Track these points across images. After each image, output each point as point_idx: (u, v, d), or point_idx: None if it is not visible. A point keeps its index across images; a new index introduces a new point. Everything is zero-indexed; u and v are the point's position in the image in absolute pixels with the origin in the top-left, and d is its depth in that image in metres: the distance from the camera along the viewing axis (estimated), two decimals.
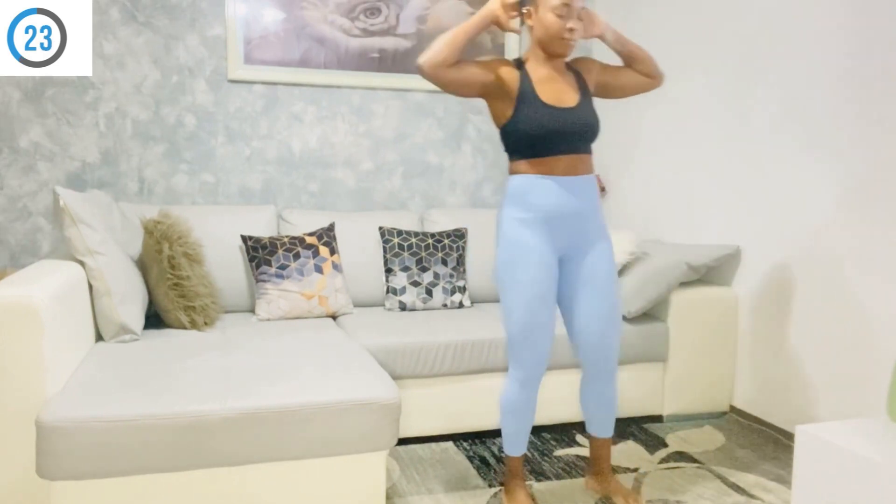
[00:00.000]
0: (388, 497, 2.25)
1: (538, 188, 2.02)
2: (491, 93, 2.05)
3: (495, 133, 3.93)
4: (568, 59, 2.13)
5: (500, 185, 3.82)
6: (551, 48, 2.03)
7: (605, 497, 2.28)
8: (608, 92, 2.19)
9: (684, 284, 2.96)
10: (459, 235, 3.29)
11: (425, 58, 1.94)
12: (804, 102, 2.67)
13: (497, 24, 2.03)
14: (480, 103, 3.73)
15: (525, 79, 2.03)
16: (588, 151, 2.09)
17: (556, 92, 2.03)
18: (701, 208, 3.20)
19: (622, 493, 2.23)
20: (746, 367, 2.97)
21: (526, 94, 2.02)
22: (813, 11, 2.63)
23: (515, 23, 2.05)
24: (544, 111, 2.00)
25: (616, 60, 2.20)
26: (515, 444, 2.20)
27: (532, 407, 2.17)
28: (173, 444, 1.81)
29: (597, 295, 2.11)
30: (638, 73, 2.16)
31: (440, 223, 3.40)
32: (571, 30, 1.98)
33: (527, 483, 2.37)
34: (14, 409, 1.86)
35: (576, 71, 2.13)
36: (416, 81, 3.65)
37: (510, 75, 2.04)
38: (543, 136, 2.00)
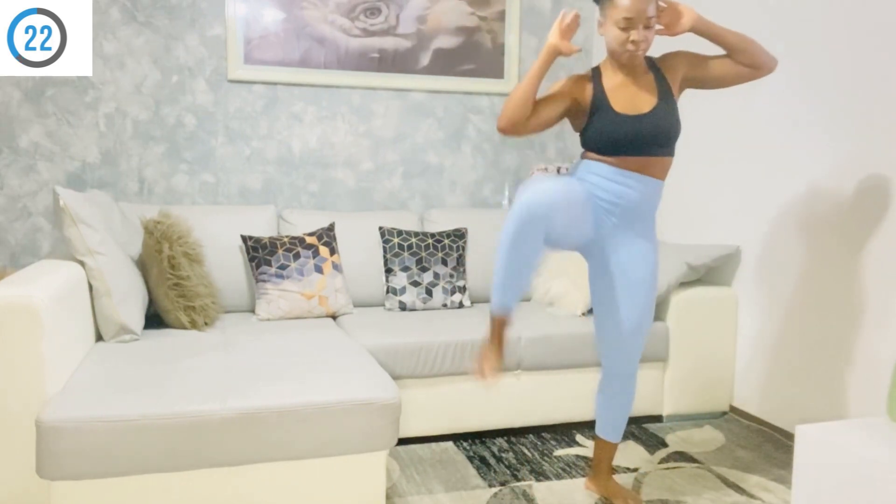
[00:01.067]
0: (388, 497, 2.24)
1: (606, 172, 2.02)
2: (570, 114, 2.08)
3: (495, 133, 3.95)
4: (656, 56, 2.10)
5: (500, 185, 3.82)
6: (618, 59, 2.02)
7: (604, 498, 2.28)
8: (705, 84, 2.11)
9: (684, 284, 2.96)
10: (459, 235, 3.29)
11: (504, 121, 1.99)
12: (804, 102, 2.67)
13: (560, 54, 2.01)
14: (481, 103, 3.75)
15: (598, 89, 2.04)
16: (665, 154, 2.06)
17: (629, 98, 2.02)
18: (701, 208, 3.20)
19: (621, 494, 2.23)
20: (746, 367, 2.97)
21: (598, 104, 2.02)
22: (813, 11, 2.63)
23: (575, 42, 2.03)
24: (616, 120, 2.00)
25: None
26: (507, 293, 1.94)
27: (539, 250, 1.92)
28: (173, 444, 1.81)
29: (638, 297, 2.11)
30: (739, 64, 2.04)
31: (440, 223, 3.40)
32: (634, 42, 1.95)
33: (526, 483, 2.38)
34: (14, 409, 1.86)
35: (658, 70, 2.09)
36: (416, 81, 3.65)
37: (583, 91, 2.05)
38: (616, 144, 2.01)
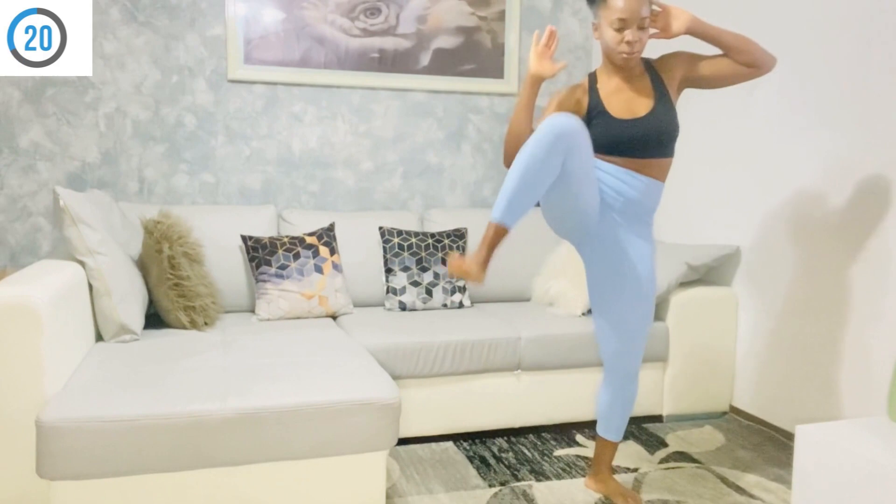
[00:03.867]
0: (388, 497, 2.25)
1: (606, 168, 2.03)
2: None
3: (495, 133, 3.94)
4: (654, 58, 2.11)
5: (500, 185, 3.81)
6: (614, 61, 2.03)
7: (604, 497, 2.28)
8: (704, 83, 2.10)
9: (684, 284, 2.96)
10: (459, 235, 3.29)
11: (506, 160, 2.02)
12: (804, 102, 2.67)
13: (544, 78, 2.01)
14: (481, 103, 3.75)
15: (594, 95, 2.05)
16: (663, 156, 2.06)
17: (626, 102, 2.03)
18: (701, 208, 3.20)
19: (622, 493, 2.23)
20: (746, 367, 2.97)
21: (596, 111, 2.03)
22: (814, 11, 2.63)
23: (556, 62, 2.01)
24: (614, 125, 2.01)
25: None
26: (511, 207, 1.89)
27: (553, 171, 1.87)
28: (173, 444, 1.81)
29: (638, 297, 2.11)
30: (738, 64, 2.02)
31: (440, 223, 3.40)
32: (629, 43, 1.95)
33: (527, 483, 2.38)
34: (14, 409, 1.86)
35: (656, 72, 2.09)
36: (416, 81, 3.65)
37: (580, 102, 2.06)
38: (615, 148, 2.02)
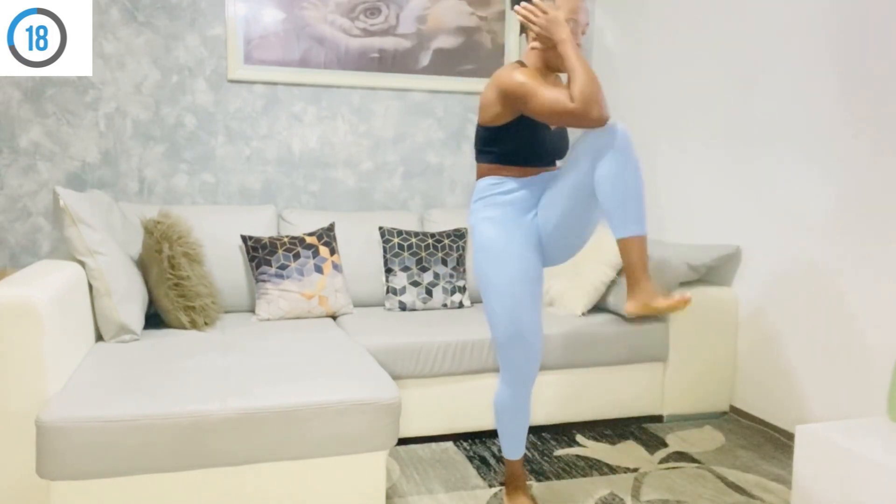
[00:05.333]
0: (388, 497, 2.25)
1: (506, 186, 2.04)
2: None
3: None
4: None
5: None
6: (554, 63, 2.02)
7: (607, 494, 2.28)
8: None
9: (684, 284, 2.96)
10: (459, 235, 3.29)
11: (602, 109, 1.83)
12: (804, 102, 2.67)
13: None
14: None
15: None
16: (555, 165, 2.11)
17: None
18: (701, 208, 3.20)
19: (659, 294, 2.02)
20: (746, 367, 2.97)
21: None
22: (814, 11, 2.63)
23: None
24: (545, 130, 2.02)
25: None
26: (512, 447, 2.20)
27: (525, 409, 2.16)
28: (173, 444, 1.81)
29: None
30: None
31: (440, 223, 3.40)
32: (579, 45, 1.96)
33: (528, 483, 2.37)
34: (14, 409, 1.86)
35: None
36: (416, 81, 3.65)
37: None
38: (534, 153, 2.03)
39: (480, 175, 2.10)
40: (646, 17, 3.47)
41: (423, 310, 3.12)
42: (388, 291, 3.15)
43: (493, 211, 2.04)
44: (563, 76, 2.05)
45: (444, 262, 3.19)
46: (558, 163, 2.14)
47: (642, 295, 1.93)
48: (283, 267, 2.94)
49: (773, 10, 2.79)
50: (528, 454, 2.63)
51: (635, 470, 2.51)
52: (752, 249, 2.93)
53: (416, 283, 3.13)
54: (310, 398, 1.94)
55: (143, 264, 2.66)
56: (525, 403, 2.15)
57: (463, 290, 3.20)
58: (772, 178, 2.82)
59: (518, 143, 2.00)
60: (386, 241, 3.20)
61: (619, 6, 3.67)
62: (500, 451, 2.66)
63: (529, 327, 2.03)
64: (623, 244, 1.92)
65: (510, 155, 2.03)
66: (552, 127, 2.04)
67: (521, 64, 2.04)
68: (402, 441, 2.63)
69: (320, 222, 3.21)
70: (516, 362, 2.08)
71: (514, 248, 2.00)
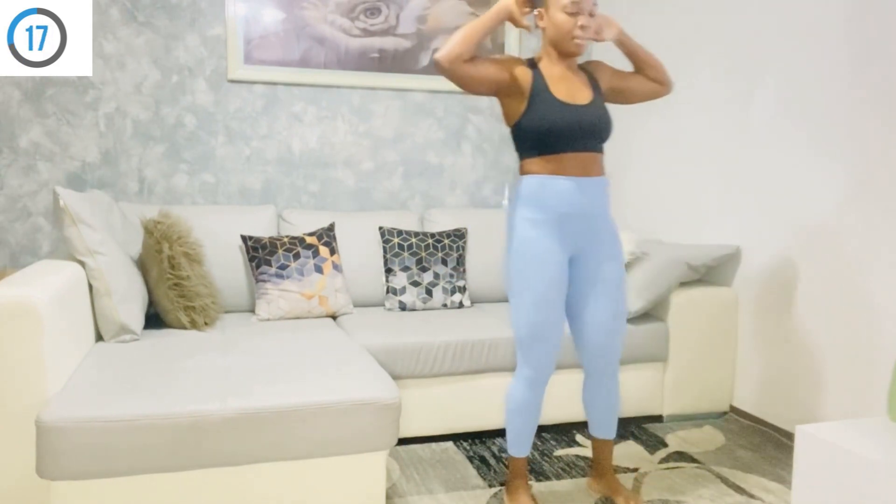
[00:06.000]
0: (388, 497, 2.25)
1: (550, 188, 2.02)
2: (505, 90, 2.05)
3: (495, 133, 3.94)
4: (580, 62, 2.13)
5: (500, 185, 3.82)
6: (563, 47, 2.03)
7: (605, 498, 2.28)
8: (618, 97, 2.18)
9: (684, 284, 2.96)
10: (459, 235, 3.29)
11: (442, 52, 1.94)
12: (805, 102, 2.67)
13: (511, 20, 2.02)
14: (481, 103, 3.75)
15: (538, 76, 2.04)
16: (600, 150, 2.08)
17: (569, 89, 2.04)
18: (701, 208, 3.20)
19: (623, 494, 2.23)
20: (746, 367, 2.97)
21: (540, 90, 2.02)
22: (814, 10, 2.63)
23: (528, 19, 2.04)
24: (558, 107, 2.00)
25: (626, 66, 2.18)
26: (520, 445, 2.20)
27: (539, 407, 2.18)
28: (173, 444, 1.81)
29: (606, 298, 2.11)
30: (648, 80, 2.16)
31: (440, 223, 3.40)
32: (583, 27, 1.98)
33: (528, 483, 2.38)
34: (14, 409, 1.86)
35: (588, 72, 2.13)
36: (416, 81, 3.65)
37: (524, 73, 2.04)
38: (557, 132, 2.00)
39: (524, 172, 2.10)
40: (646, 14, 3.47)
41: (423, 310, 3.12)
42: (388, 291, 3.15)
43: (535, 213, 2.04)
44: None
45: (444, 262, 3.19)
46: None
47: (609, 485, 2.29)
48: (283, 267, 2.94)
49: (774, 9, 2.79)
50: (528, 454, 2.63)
51: (635, 470, 2.51)
52: (752, 249, 2.93)
53: (416, 283, 3.13)
54: (310, 398, 1.94)
55: (143, 264, 2.66)
56: (539, 401, 2.17)
57: (463, 290, 3.20)
58: (772, 177, 2.82)
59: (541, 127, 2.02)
60: (386, 241, 3.20)
61: (619, 3, 3.67)
62: (500, 450, 2.66)
63: (555, 328, 2.09)
64: (602, 443, 2.29)
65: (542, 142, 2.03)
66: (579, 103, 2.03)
67: (539, 60, 2.08)
68: (402, 441, 2.63)
69: (320, 222, 3.21)
70: (537, 360, 2.10)
71: (551, 257, 2.03)
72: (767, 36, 2.82)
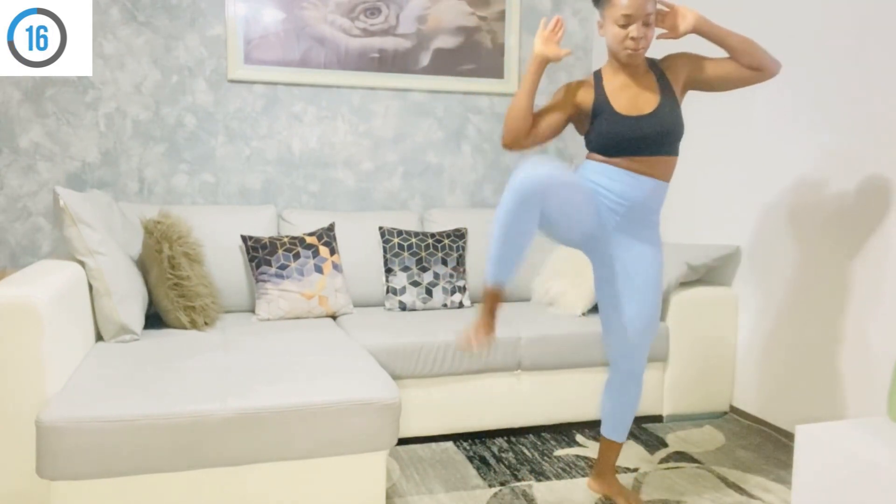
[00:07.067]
0: (388, 497, 2.25)
1: (610, 172, 2.03)
2: (573, 120, 2.09)
3: (495, 133, 3.94)
4: (659, 58, 2.11)
5: (500, 185, 3.82)
6: (618, 58, 2.02)
7: (605, 497, 2.28)
8: (708, 86, 2.10)
9: (684, 284, 2.96)
10: (459, 235, 3.29)
11: (507, 138, 2.03)
12: (805, 103, 2.67)
13: (550, 61, 2.02)
14: (481, 103, 3.75)
15: (600, 92, 2.04)
16: (668, 154, 2.06)
17: (631, 99, 2.03)
18: (701, 208, 3.20)
19: (623, 494, 2.23)
20: (746, 367, 2.97)
21: (600, 107, 2.03)
22: (816, 10, 2.63)
23: (562, 47, 2.05)
24: (619, 121, 2.00)
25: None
26: (501, 267, 1.94)
27: (531, 225, 1.90)
28: (173, 444, 1.81)
29: (644, 299, 2.11)
30: (743, 66, 2.03)
31: (440, 223, 3.40)
32: (634, 39, 1.95)
33: (527, 483, 2.38)
34: (14, 409, 1.86)
35: (661, 71, 2.09)
36: (417, 81, 3.65)
37: (584, 95, 2.06)
38: (620, 146, 2.01)
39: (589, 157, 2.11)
40: None
41: (423, 310, 3.12)
42: (388, 291, 3.15)
43: (598, 181, 2.05)
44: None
45: (444, 262, 3.19)
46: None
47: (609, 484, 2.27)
48: (283, 267, 2.94)
49: (774, 9, 2.79)
50: (528, 454, 2.63)
51: (635, 470, 2.51)
52: (752, 249, 2.93)
53: (416, 283, 3.13)
54: (310, 398, 1.94)
55: (143, 264, 2.66)
56: (533, 218, 1.89)
57: (463, 290, 3.20)
58: (772, 177, 2.82)
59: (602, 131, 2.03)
60: (386, 241, 3.20)
61: None
62: (499, 450, 2.66)
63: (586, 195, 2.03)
64: (611, 444, 2.25)
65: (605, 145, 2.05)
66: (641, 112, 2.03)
67: (605, 71, 2.09)
68: (402, 441, 2.63)
69: (320, 222, 3.21)
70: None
71: (600, 212, 2.05)
72: (768, 37, 2.82)
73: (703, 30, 2.01)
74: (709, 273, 3.06)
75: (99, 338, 2.44)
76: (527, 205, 1.83)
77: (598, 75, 2.09)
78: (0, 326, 1.84)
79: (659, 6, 2.00)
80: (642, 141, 2.00)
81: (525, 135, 2.02)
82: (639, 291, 2.10)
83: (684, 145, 2.98)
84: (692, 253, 2.93)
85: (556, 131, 2.07)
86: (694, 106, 3.21)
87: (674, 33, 2.03)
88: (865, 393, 2.44)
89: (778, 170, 2.79)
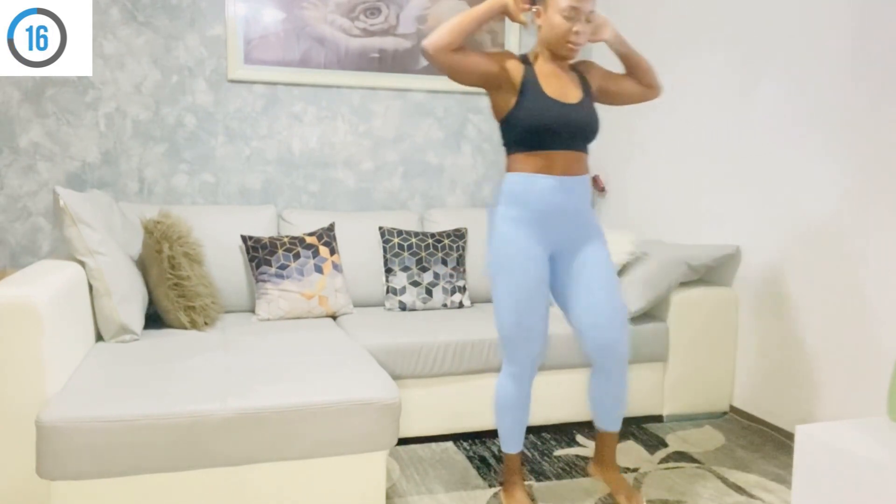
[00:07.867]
0: (388, 497, 2.25)
1: (534, 186, 2.03)
2: (493, 83, 2.05)
3: (495, 133, 3.92)
4: (572, 62, 2.13)
5: (500, 185, 3.82)
6: (556, 50, 2.03)
7: (606, 496, 2.28)
8: (607, 98, 2.19)
9: (684, 284, 2.96)
10: (459, 235, 3.29)
11: (429, 40, 1.95)
12: (805, 102, 2.67)
13: (507, 14, 2.03)
14: (481, 103, 3.75)
15: (530, 72, 2.05)
16: (585, 150, 2.09)
17: (559, 87, 2.04)
18: (701, 208, 3.20)
19: (624, 490, 2.22)
20: (746, 367, 2.97)
21: (530, 85, 2.02)
22: (816, 10, 2.63)
23: (525, 15, 2.04)
24: (548, 103, 2.00)
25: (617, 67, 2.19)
26: (512, 441, 2.20)
27: (526, 402, 2.19)
28: (173, 444, 1.81)
29: (600, 291, 2.10)
30: (638, 83, 2.16)
31: (440, 223, 3.40)
32: (577, 33, 1.98)
33: (526, 483, 2.37)
34: (14, 409, 1.86)
35: (579, 72, 2.14)
36: (417, 81, 3.65)
37: (515, 67, 2.04)
38: (546, 129, 2.00)
39: (510, 170, 2.11)
40: (645, 13, 3.47)
41: (423, 310, 3.12)
42: (388, 291, 3.15)
43: (517, 211, 2.05)
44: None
45: (444, 262, 3.19)
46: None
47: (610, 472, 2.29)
48: (283, 267, 2.94)
49: (774, 9, 2.79)
50: (528, 454, 2.63)
51: (635, 470, 2.51)
52: (752, 249, 2.93)
53: (416, 283, 3.13)
54: (310, 398, 1.94)
55: (143, 264, 2.66)
56: (526, 397, 2.19)
57: (463, 290, 3.20)
58: (772, 177, 2.82)
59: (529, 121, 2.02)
60: (386, 241, 3.20)
61: (619, 3, 3.67)
62: (499, 450, 2.66)
63: (537, 326, 2.09)
64: (606, 435, 2.26)
65: (526, 138, 2.04)
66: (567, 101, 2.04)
67: (533, 57, 2.09)
68: (402, 441, 2.63)
69: (320, 222, 3.21)
70: (520, 358, 2.12)
71: (532, 254, 2.05)
72: (769, 36, 2.82)
73: (619, 40, 2.11)
74: (709, 273, 3.06)
75: (99, 338, 2.44)
76: (511, 409, 2.19)
77: (525, 57, 2.10)
78: (0, 326, 1.84)
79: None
80: (566, 128, 2.01)
81: (451, 50, 1.95)
82: (596, 284, 2.10)
83: (688, 144, 2.99)
84: (692, 253, 2.93)
85: (475, 72, 2.01)
86: (695, 106, 3.21)
87: (594, 36, 2.08)
88: (865, 393, 2.44)
89: (778, 170, 2.79)
